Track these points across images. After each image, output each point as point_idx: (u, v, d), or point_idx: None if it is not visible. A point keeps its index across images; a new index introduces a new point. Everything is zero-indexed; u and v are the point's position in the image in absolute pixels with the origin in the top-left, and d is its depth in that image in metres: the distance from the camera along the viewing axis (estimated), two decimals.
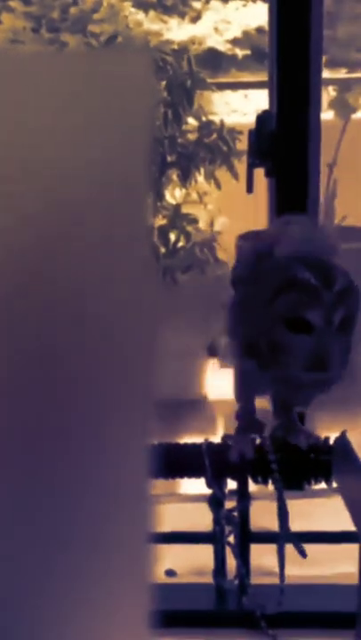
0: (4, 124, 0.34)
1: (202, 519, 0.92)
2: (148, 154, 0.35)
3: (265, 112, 1.18)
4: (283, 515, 0.87)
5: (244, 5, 4.20)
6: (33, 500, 0.37)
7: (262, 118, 1.16)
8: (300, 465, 0.87)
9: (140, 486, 0.37)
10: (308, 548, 0.88)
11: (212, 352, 0.97)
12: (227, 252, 2.33)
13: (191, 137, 2.18)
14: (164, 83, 2.12)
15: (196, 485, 0.94)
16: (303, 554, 0.87)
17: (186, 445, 0.89)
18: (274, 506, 0.89)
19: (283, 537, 0.88)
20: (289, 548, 0.89)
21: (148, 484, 0.37)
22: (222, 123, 2.23)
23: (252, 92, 3.69)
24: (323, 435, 0.87)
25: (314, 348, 0.76)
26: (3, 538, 0.37)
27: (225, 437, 0.87)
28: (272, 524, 0.91)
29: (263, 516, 0.93)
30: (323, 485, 0.89)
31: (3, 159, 0.35)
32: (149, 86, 0.35)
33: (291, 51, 1.14)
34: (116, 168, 0.35)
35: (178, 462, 0.87)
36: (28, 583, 0.38)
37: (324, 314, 0.75)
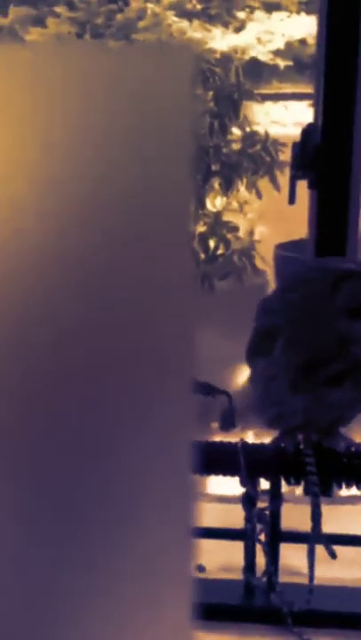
0: (45, 121, 0.35)
1: (227, 518, 0.95)
2: (193, 159, 0.35)
3: (310, 125, 1.21)
4: (316, 515, 0.90)
5: (289, 17, 4.22)
6: (75, 495, 0.38)
7: (307, 131, 1.19)
8: (332, 469, 0.89)
9: (184, 481, 0.38)
10: (339, 550, 0.90)
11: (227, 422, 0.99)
12: (265, 261, 2.35)
13: (235, 147, 2.21)
14: (211, 93, 2.16)
15: (223, 486, 0.96)
16: (333, 555, 0.90)
17: (222, 444, 0.92)
18: (302, 508, 0.91)
19: (314, 537, 0.90)
20: (318, 550, 0.91)
21: (192, 480, 0.38)
22: (267, 134, 2.26)
23: (291, 104, 3.71)
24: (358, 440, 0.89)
25: None
26: (46, 532, 0.38)
27: (276, 439, 0.90)
28: (300, 526, 0.93)
29: (292, 517, 0.96)
30: (354, 491, 0.91)
31: (42, 157, 0.35)
32: (194, 91, 0.35)
33: (338, 64, 1.16)
34: (160, 173, 0.36)
35: (213, 460, 0.90)
36: (69, 578, 0.39)
37: None
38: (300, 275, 0.89)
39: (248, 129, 2.25)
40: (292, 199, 1.23)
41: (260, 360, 0.88)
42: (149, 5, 3.98)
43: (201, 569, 1.13)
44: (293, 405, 0.86)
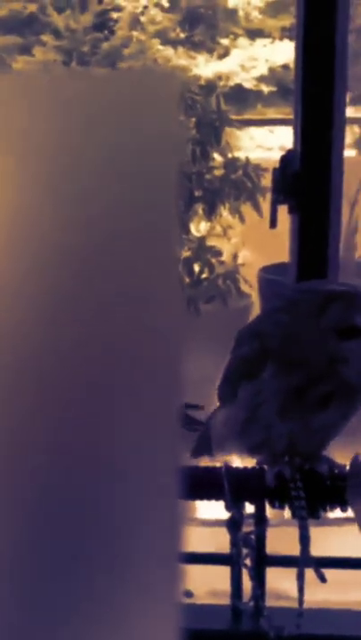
0: (29, 148, 0.35)
1: (218, 543, 0.95)
2: (178, 185, 0.36)
3: (289, 152, 1.23)
4: (304, 539, 0.90)
5: (272, 43, 4.29)
6: (59, 520, 0.38)
7: (286, 158, 1.21)
8: (315, 491, 0.89)
9: (171, 507, 0.38)
10: (326, 572, 0.90)
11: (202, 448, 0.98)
12: (249, 284, 2.37)
13: (217, 173, 2.24)
14: (193, 120, 2.19)
15: (213, 511, 0.96)
16: (323, 579, 0.90)
17: (205, 468, 0.92)
18: (288, 531, 0.91)
19: (303, 561, 0.90)
20: (307, 572, 0.91)
21: (179, 505, 0.38)
22: (248, 160, 2.29)
23: (276, 128, 3.75)
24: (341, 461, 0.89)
25: None
26: (31, 557, 0.38)
27: (260, 462, 0.90)
28: (286, 549, 0.93)
29: (279, 541, 0.96)
30: (338, 513, 0.92)
31: (23, 182, 0.35)
32: (179, 117, 0.36)
33: (314, 89, 1.19)
34: (146, 198, 0.36)
35: (197, 485, 0.90)
36: (54, 602, 0.39)
37: None
38: (288, 297, 0.90)
39: (230, 155, 2.28)
40: (273, 223, 1.25)
41: (246, 385, 0.88)
42: (135, 34, 4.04)
43: (188, 594, 1.13)
44: (280, 430, 0.86)
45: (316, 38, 1.17)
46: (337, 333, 0.81)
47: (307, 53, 1.19)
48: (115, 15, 4.06)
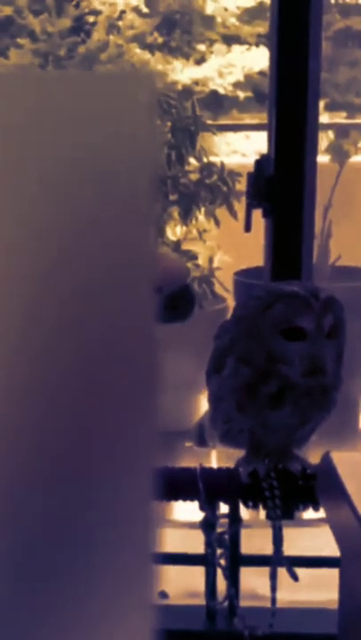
0: (3, 149, 0.35)
1: (193, 544, 0.96)
2: (154, 187, 0.36)
3: (263, 156, 1.24)
4: (277, 539, 0.91)
5: (248, 49, 4.31)
6: (34, 520, 0.38)
7: (261, 162, 1.22)
8: (288, 491, 0.90)
9: (146, 508, 0.38)
10: (299, 572, 0.92)
11: (201, 439, 1.01)
12: (224, 288, 2.39)
13: (193, 177, 2.25)
14: (168, 124, 2.20)
15: (189, 512, 0.97)
16: (295, 577, 0.91)
17: (180, 469, 0.93)
18: (263, 531, 0.92)
19: (275, 560, 0.91)
20: (280, 572, 0.92)
21: (153, 506, 0.38)
22: (223, 165, 2.30)
23: (252, 134, 3.77)
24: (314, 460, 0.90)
25: (309, 353, 0.81)
26: (1, 561, 0.38)
27: (238, 462, 0.91)
28: (260, 549, 0.94)
29: (253, 540, 0.96)
30: (311, 513, 0.93)
31: (2, 183, 0.35)
32: (154, 119, 0.36)
33: (288, 95, 1.20)
34: (122, 200, 0.36)
35: (172, 486, 0.91)
36: (27, 604, 0.39)
37: (315, 320, 0.81)
38: (251, 294, 0.91)
39: (205, 159, 2.29)
40: (247, 227, 1.26)
41: (214, 378, 0.90)
42: (112, 38, 4.04)
43: (163, 595, 1.13)
44: (240, 425, 0.88)
45: (290, 45, 1.19)
46: (281, 334, 0.82)
47: (281, 60, 1.21)
48: (91, 19, 4.06)
